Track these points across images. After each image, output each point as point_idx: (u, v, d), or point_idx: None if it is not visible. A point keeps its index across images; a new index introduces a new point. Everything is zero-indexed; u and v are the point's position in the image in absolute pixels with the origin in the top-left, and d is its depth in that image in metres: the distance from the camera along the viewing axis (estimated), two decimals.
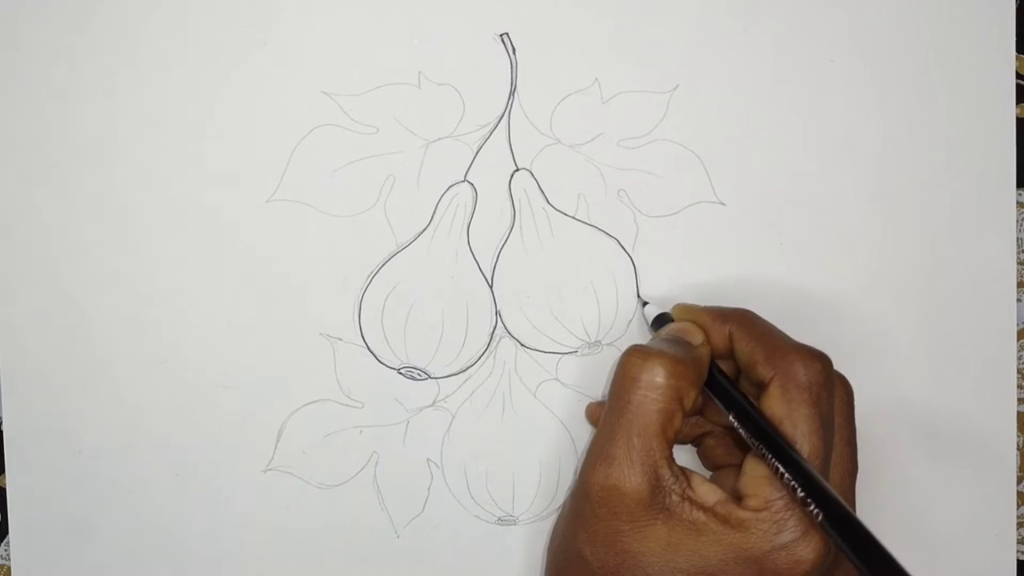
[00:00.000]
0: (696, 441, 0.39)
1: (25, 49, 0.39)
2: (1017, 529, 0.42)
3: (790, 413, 0.33)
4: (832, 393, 0.34)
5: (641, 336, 0.41)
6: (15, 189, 0.40)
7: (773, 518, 0.32)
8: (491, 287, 0.40)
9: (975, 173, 0.42)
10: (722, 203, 0.41)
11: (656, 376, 0.34)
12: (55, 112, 0.39)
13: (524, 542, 0.41)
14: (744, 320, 0.36)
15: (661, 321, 0.39)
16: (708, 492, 0.34)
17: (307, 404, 0.40)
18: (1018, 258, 0.42)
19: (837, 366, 0.41)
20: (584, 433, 0.41)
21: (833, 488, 0.33)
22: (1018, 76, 0.42)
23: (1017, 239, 0.42)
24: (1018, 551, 0.42)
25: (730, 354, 0.37)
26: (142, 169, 0.40)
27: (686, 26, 0.41)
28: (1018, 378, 0.42)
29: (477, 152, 0.40)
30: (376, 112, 0.40)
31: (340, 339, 0.40)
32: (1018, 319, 0.42)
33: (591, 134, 0.40)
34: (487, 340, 0.41)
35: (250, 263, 0.40)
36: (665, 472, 0.34)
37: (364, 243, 0.40)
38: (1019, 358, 0.42)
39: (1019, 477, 0.42)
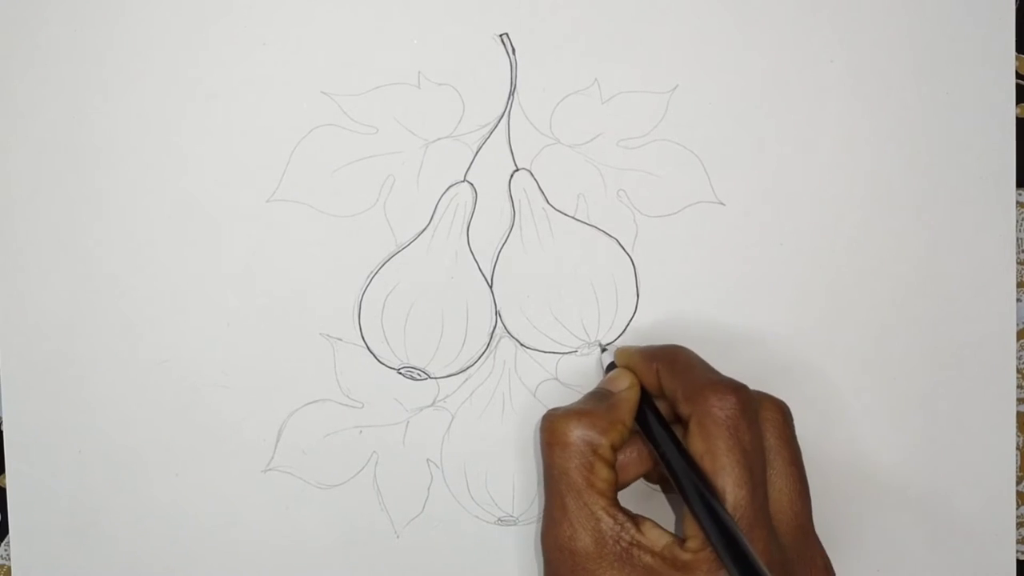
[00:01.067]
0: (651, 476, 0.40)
1: (25, 49, 0.39)
2: (1017, 529, 0.42)
3: (709, 449, 0.34)
4: (752, 423, 0.34)
5: (637, 339, 0.41)
6: (15, 189, 0.40)
7: (710, 557, 0.33)
8: (491, 287, 0.40)
9: (975, 173, 0.42)
10: (722, 203, 0.41)
11: (565, 435, 0.35)
12: (55, 112, 0.39)
13: (524, 542, 0.41)
14: (668, 358, 0.37)
15: (610, 369, 0.40)
16: (656, 536, 0.35)
17: (307, 404, 0.40)
18: (1018, 258, 0.42)
19: (838, 366, 0.41)
20: None
21: (779, 513, 0.34)
22: (1018, 76, 0.42)
23: (1017, 239, 0.42)
24: (1018, 551, 0.42)
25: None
26: (142, 169, 0.40)
27: (686, 26, 0.41)
28: (1018, 378, 0.42)
29: (477, 152, 0.40)
30: (376, 112, 0.40)
31: (340, 339, 0.40)
32: (1018, 319, 0.42)
33: (591, 134, 0.40)
34: (487, 340, 0.41)
35: (250, 263, 0.40)
36: (607, 523, 0.35)
37: (364, 243, 0.40)
38: (1019, 358, 0.42)
39: (1019, 477, 0.42)
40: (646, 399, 0.37)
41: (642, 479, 0.39)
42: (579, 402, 0.38)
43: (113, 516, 0.40)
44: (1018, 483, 0.42)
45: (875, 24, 0.41)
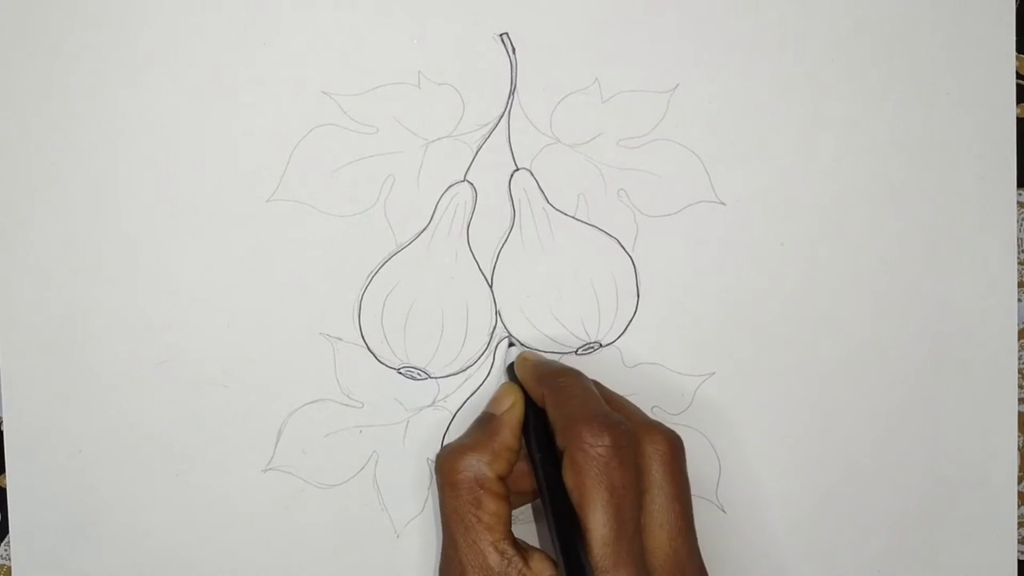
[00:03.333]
0: None
1: (25, 49, 0.39)
2: (1017, 529, 0.42)
3: (579, 484, 0.34)
4: (625, 460, 0.34)
5: (637, 335, 0.41)
6: (15, 189, 0.40)
7: None
8: (491, 287, 0.40)
9: (975, 173, 0.42)
10: (722, 203, 0.41)
11: (453, 475, 0.36)
12: (55, 112, 0.39)
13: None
14: (554, 385, 0.37)
15: (511, 371, 0.40)
16: (543, 568, 0.35)
17: (307, 404, 0.40)
18: (1018, 258, 0.42)
19: (838, 366, 0.41)
20: None
21: (657, 548, 0.34)
22: (1018, 76, 0.42)
23: (1017, 239, 0.42)
24: (1018, 551, 0.42)
25: None
26: (142, 169, 0.40)
27: (686, 26, 0.41)
28: (1018, 378, 0.42)
29: (477, 152, 0.40)
30: (376, 112, 0.40)
31: (340, 339, 0.40)
32: (1018, 319, 0.42)
33: (591, 134, 0.40)
34: (487, 340, 0.41)
35: (250, 263, 0.40)
36: (494, 559, 0.35)
37: (364, 243, 0.40)
38: (1019, 358, 0.42)
39: (1019, 477, 0.42)
40: (536, 415, 0.37)
41: None
42: (465, 434, 0.38)
43: (113, 516, 0.40)
44: (1018, 483, 0.42)
45: (875, 24, 0.41)
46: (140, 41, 0.40)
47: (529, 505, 0.41)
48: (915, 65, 0.41)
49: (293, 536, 0.40)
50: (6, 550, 0.41)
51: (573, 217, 0.41)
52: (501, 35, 0.40)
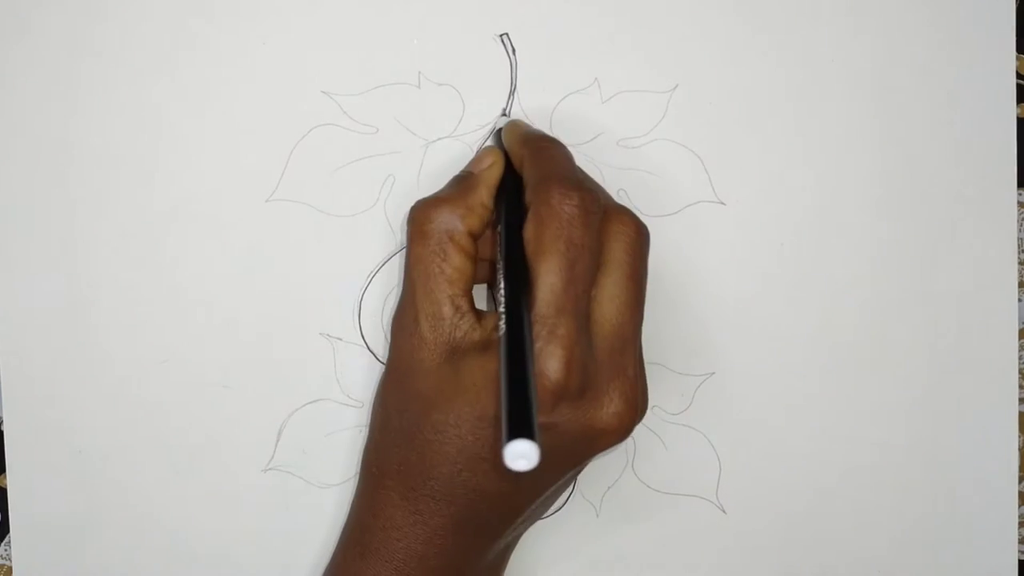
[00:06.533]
0: None
1: (25, 49, 0.39)
2: (1017, 529, 0.42)
3: (537, 235, 0.33)
4: (590, 224, 0.34)
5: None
6: (15, 189, 0.40)
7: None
8: (491, 287, 0.40)
9: (975, 173, 0.42)
10: (722, 203, 0.41)
11: (424, 224, 0.35)
12: (55, 112, 0.39)
13: (525, 541, 0.41)
14: (536, 147, 0.36)
15: (497, 137, 0.39)
16: (493, 322, 0.34)
17: (307, 404, 0.40)
18: (1018, 258, 0.42)
19: (838, 366, 0.41)
20: None
21: (603, 317, 0.33)
22: (1018, 76, 0.42)
23: (1017, 239, 0.42)
24: (1018, 551, 0.42)
25: None
26: (142, 169, 0.40)
27: (686, 26, 0.41)
28: (1018, 378, 0.42)
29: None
30: (376, 112, 0.40)
31: (340, 339, 0.40)
32: (1018, 319, 0.42)
33: (591, 134, 0.40)
34: None
35: (250, 263, 0.40)
36: (447, 310, 0.34)
37: (364, 243, 0.40)
38: (1019, 358, 0.42)
39: (1020, 477, 0.42)
40: (513, 181, 0.37)
41: None
42: (443, 187, 0.37)
43: (113, 516, 0.40)
44: (1019, 483, 0.42)
45: (875, 24, 0.41)
46: (140, 41, 0.40)
47: None
48: (915, 65, 0.41)
49: (293, 536, 0.40)
50: (6, 550, 0.41)
51: None
52: (501, 35, 0.40)
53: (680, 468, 0.41)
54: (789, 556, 0.42)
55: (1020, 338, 0.42)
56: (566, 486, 0.38)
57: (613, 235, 0.34)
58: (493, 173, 0.37)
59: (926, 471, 0.42)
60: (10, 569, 0.40)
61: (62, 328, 0.40)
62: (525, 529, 0.38)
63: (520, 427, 0.27)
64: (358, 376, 0.40)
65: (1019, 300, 0.42)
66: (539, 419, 0.30)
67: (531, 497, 0.35)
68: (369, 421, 0.39)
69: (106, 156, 0.40)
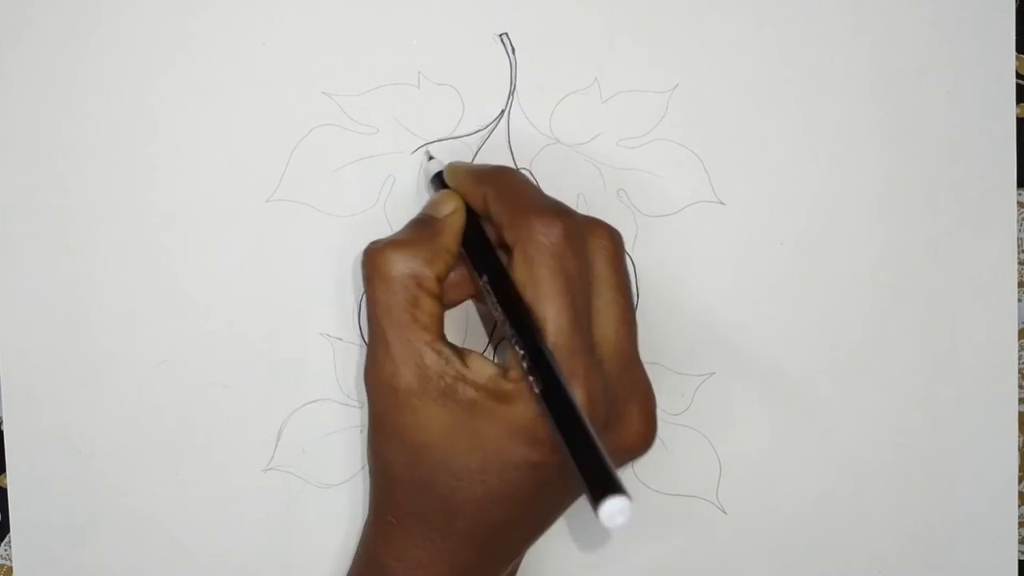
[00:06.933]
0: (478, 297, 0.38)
1: (26, 49, 0.39)
2: (1017, 529, 0.42)
3: (532, 276, 0.33)
4: (578, 250, 0.33)
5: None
6: (15, 189, 0.40)
7: (530, 386, 0.32)
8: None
9: (975, 173, 0.42)
10: (722, 203, 0.41)
11: (387, 269, 0.34)
12: (55, 112, 0.39)
13: None
14: (497, 181, 0.35)
15: (438, 181, 0.38)
16: (481, 368, 0.34)
17: (307, 404, 0.40)
18: (1018, 258, 0.42)
19: (838, 366, 0.41)
20: None
21: (604, 341, 0.33)
22: (1018, 76, 0.42)
23: (1017, 239, 0.42)
24: (1018, 551, 0.42)
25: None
26: (142, 169, 0.40)
27: (686, 26, 0.41)
28: (1018, 378, 0.42)
29: (477, 152, 0.40)
30: (376, 112, 0.40)
31: (340, 339, 0.40)
32: (1018, 319, 0.42)
33: (591, 134, 0.40)
34: (486, 340, 0.41)
35: (250, 263, 0.40)
36: (431, 358, 0.33)
37: (364, 243, 0.40)
38: (1019, 358, 0.42)
39: (1019, 477, 0.42)
40: (472, 223, 0.36)
41: (472, 300, 0.38)
42: (402, 231, 0.36)
43: (113, 516, 0.40)
44: (1018, 483, 0.42)
45: (875, 24, 0.41)
46: (140, 41, 0.40)
47: None
48: (915, 65, 0.41)
49: (293, 536, 0.40)
50: (6, 550, 0.41)
51: None
52: (501, 35, 0.40)
53: (680, 468, 0.41)
54: (789, 556, 0.42)
55: (1020, 338, 0.42)
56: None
57: (593, 250, 0.34)
58: (457, 220, 0.36)
59: (926, 471, 0.42)
60: (10, 569, 0.40)
61: (62, 328, 0.40)
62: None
63: (608, 486, 0.28)
64: (358, 376, 0.40)
65: (1019, 300, 0.42)
66: None
67: (556, 516, 0.36)
68: (369, 472, 0.38)
69: (106, 156, 0.40)
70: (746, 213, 0.41)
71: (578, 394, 0.32)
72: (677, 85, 0.41)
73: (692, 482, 0.42)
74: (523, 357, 0.32)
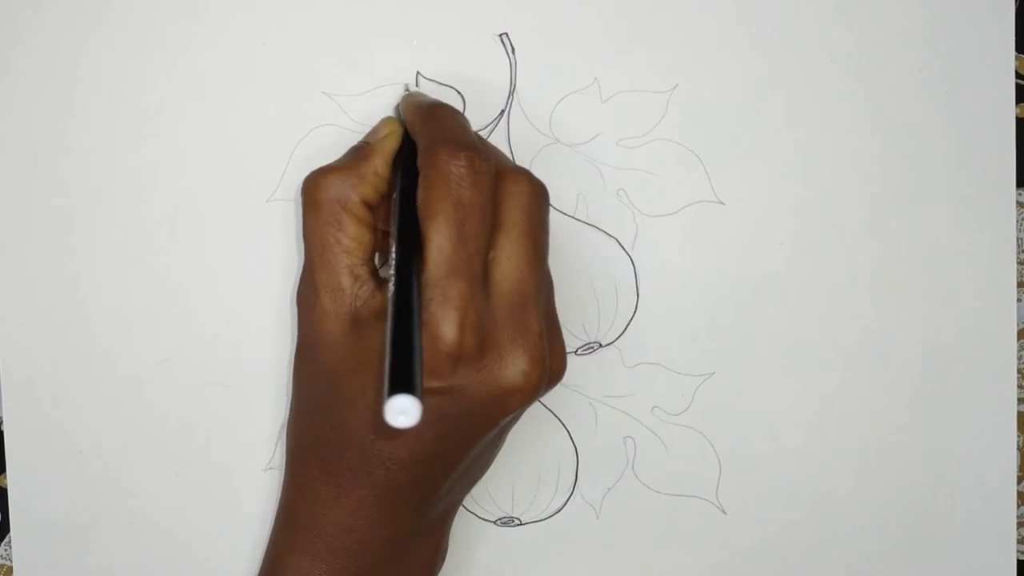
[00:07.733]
0: None
1: (26, 49, 0.39)
2: (1017, 529, 0.42)
3: (426, 198, 0.33)
4: (483, 185, 0.33)
5: (637, 335, 0.41)
6: (15, 189, 0.40)
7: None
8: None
9: (975, 173, 0.42)
10: (722, 203, 0.41)
11: (316, 194, 0.35)
12: (55, 112, 0.39)
13: (525, 542, 0.41)
14: (428, 113, 0.36)
15: (396, 111, 0.39)
16: (387, 293, 0.34)
17: None
18: (1018, 258, 0.42)
19: (838, 366, 0.41)
20: (586, 432, 0.41)
21: (502, 277, 0.33)
22: (1018, 76, 0.42)
23: (1017, 239, 0.42)
24: (1018, 551, 0.42)
25: None
26: (142, 169, 0.40)
27: (686, 26, 0.41)
28: (1018, 378, 0.42)
29: None
30: (376, 112, 0.40)
31: None
32: (1018, 319, 0.42)
33: (590, 134, 0.40)
34: None
35: (250, 263, 0.40)
36: (347, 281, 0.34)
37: None
38: (1019, 358, 0.42)
39: (1019, 477, 0.42)
40: (407, 149, 0.36)
41: None
42: (339, 158, 0.37)
43: (113, 516, 0.40)
44: (1018, 483, 0.42)
45: (875, 24, 0.41)
46: (140, 41, 0.40)
47: None
48: (914, 65, 0.41)
49: None
50: (6, 550, 0.41)
51: (572, 217, 0.41)
52: (501, 35, 0.40)
53: (680, 468, 0.41)
54: (789, 556, 0.42)
55: (1020, 338, 0.42)
56: (492, 451, 0.37)
57: (508, 195, 0.34)
58: (389, 143, 0.36)
59: (926, 471, 0.42)
60: (10, 569, 0.40)
61: (62, 328, 0.40)
62: (462, 496, 0.37)
63: (401, 383, 0.27)
64: None
65: (1019, 300, 0.42)
66: (440, 383, 0.31)
67: (451, 464, 0.35)
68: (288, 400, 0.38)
69: (106, 156, 0.40)
70: (746, 213, 0.41)
71: (448, 313, 0.32)
72: (677, 85, 0.41)
73: (692, 482, 0.42)
74: (392, 274, 0.32)
